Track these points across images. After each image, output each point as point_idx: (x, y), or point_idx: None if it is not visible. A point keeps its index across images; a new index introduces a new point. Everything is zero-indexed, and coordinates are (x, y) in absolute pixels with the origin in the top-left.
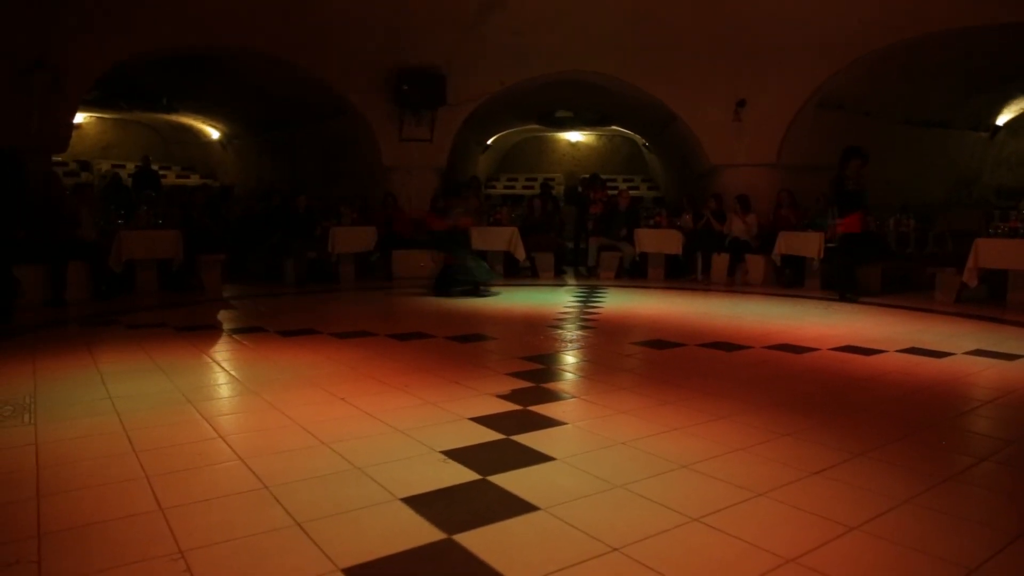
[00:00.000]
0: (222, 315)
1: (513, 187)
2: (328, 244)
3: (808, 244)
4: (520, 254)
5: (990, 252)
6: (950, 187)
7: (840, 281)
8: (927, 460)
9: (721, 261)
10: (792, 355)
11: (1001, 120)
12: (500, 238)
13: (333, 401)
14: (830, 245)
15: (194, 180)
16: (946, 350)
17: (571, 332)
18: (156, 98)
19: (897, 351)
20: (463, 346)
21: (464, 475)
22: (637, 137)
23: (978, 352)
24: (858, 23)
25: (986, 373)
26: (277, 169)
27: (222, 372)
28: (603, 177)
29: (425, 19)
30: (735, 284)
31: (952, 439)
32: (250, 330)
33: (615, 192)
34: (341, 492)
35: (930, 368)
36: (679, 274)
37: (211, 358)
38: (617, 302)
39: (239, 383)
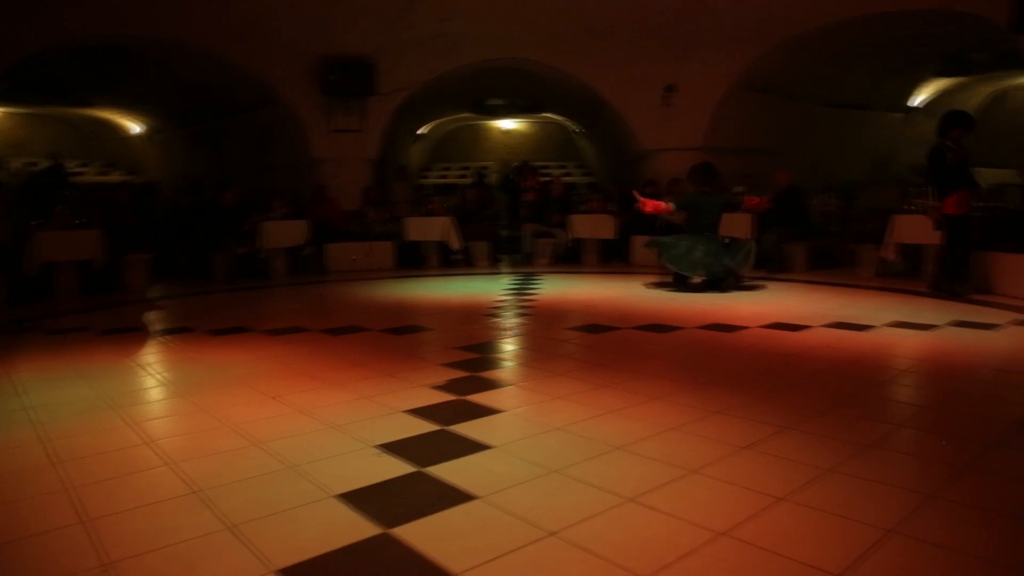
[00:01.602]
0: (148, 316)
1: (446, 176)
2: (258, 239)
3: (739, 225)
4: (455, 243)
5: (906, 228)
6: (870, 166)
7: (947, 273)
8: (851, 430)
9: None
10: (723, 334)
11: (915, 101)
12: (434, 228)
13: (265, 400)
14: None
15: (115, 177)
16: (868, 323)
17: (507, 320)
18: (72, 91)
19: (823, 326)
20: (399, 338)
21: (400, 468)
22: (570, 123)
23: (898, 324)
24: (781, 8)
25: (905, 343)
26: (204, 163)
27: (148, 375)
28: (537, 164)
29: (352, 7)
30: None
31: (874, 408)
32: (178, 330)
33: (548, 179)
34: (274, 492)
35: (854, 341)
36: (614, 258)
37: (136, 362)
38: (553, 288)
39: (167, 386)
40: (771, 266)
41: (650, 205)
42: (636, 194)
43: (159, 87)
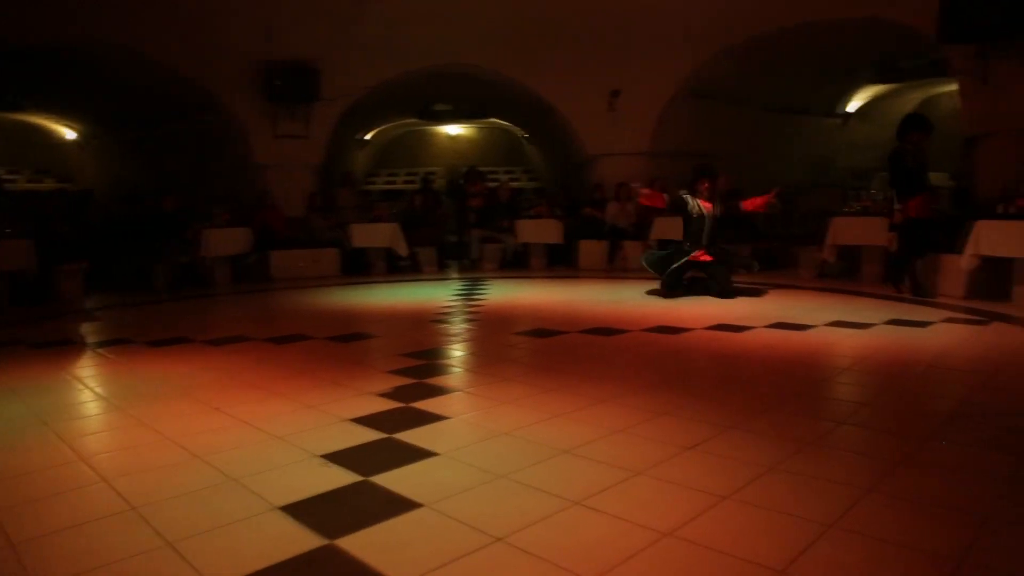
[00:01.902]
0: (84, 328)
1: (393, 182)
2: (200, 247)
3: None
4: (402, 250)
5: (845, 230)
6: (810, 170)
7: (896, 273)
8: (792, 427)
9: (601, 248)
10: (669, 336)
11: (852, 107)
12: (381, 234)
13: (207, 412)
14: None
15: (48, 184)
16: (809, 323)
17: (455, 325)
18: (0, 95)
19: (765, 327)
20: (344, 346)
21: (345, 478)
22: (517, 129)
23: (837, 323)
24: (723, 15)
25: (844, 342)
26: (142, 169)
27: (84, 389)
28: (484, 169)
29: (296, 11)
30: (615, 270)
31: (815, 406)
32: (115, 342)
33: (496, 184)
34: (215, 506)
35: (795, 341)
36: (561, 262)
37: (71, 375)
38: (500, 293)
39: (103, 400)
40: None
41: (646, 195)
42: (635, 186)
43: (94, 91)
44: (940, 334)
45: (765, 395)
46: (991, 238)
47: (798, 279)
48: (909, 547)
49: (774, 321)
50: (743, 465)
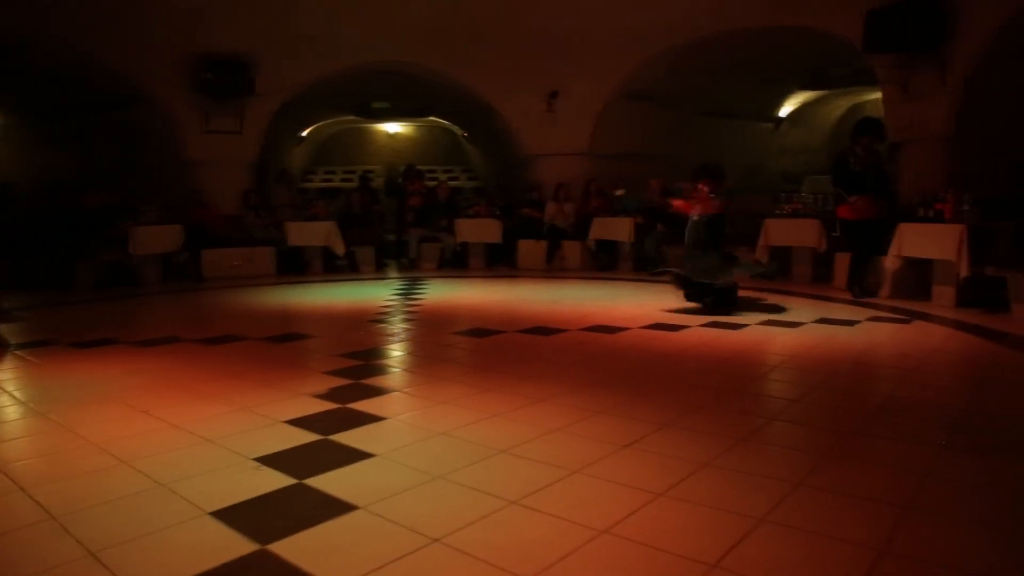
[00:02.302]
0: (2, 329)
1: (331, 180)
2: (128, 245)
3: (620, 228)
4: (339, 249)
5: (776, 231)
6: (743, 173)
7: (851, 275)
8: (726, 424)
9: (540, 248)
10: (606, 335)
11: (783, 112)
12: (318, 233)
13: (134, 415)
14: (833, 234)
15: None
16: (742, 322)
17: (393, 325)
18: None
19: (700, 326)
20: (279, 347)
21: (279, 481)
22: (456, 128)
23: (768, 322)
24: (659, 20)
25: (777, 340)
26: (66, 163)
27: (2, 393)
28: (423, 168)
29: (229, 3)
30: (554, 270)
31: (747, 403)
32: (37, 344)
33: (434, 183)
34: (143, 513)
35: (729, 339)
36: (500, 262)
37: None
38: (439, 293)
39: (23, 404)
40: (652, 268)
41: (680, 205)
42: (671, 200)
43: (15, 81)
44: (866, 332)
45: (700, 393)
46: (912, 240)
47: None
48: (835, 538)
49: (708, 320)
50: (678, 461)
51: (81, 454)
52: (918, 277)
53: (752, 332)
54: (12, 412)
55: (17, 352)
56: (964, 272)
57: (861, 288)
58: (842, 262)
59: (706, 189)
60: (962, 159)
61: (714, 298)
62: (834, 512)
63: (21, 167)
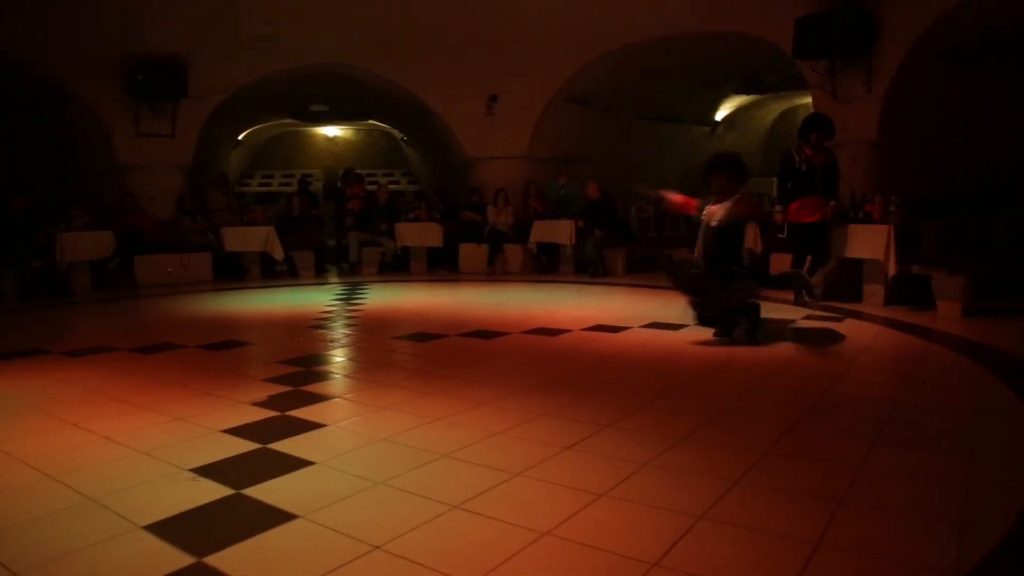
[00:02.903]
0: None
1: (269, 184)
2: (56, 251)
3: (561, 231)
4: (278, 254)
5: None
6: (682, 175)
7: (795, 279)
8: (665, 424)
9: (481, 252)
10: (548, 338)
11: (719, 116)
12: (256, 238)
13: (63, 428)
14: (780, 236)
15: None
16: (681, 323)
17: (333, 331)
18: None
19: (640, 327)
20: (217, 354)
21: (216, 491)
22: (396, 131)
23: None
24: (596, 25)
25: (714, 340)
26: None
27: None
28: (363, 172)
29: (163, 3)
30: (496, 273)
31: (687, 403)
32: None
33: (374, 187)
34: (70, 529)
35: (668, 340)
36: (441, 266)
37: None
38: (380, 297)
39: None
40: (592, 271)
41: (678, 200)
42: (663, 193)
43: None
44: (798, 331)
45: (639, 393)
46: (843, 241)
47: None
48: (773, 533)
49: (649, 321)
50: (619, 462)
51: (4, 469)
52: (850, 277)
53: (690, 332)
54: None
55: None
56: (892, 271)
57: (808, 290)
58: (779, 264)
59: (729, 184)
60: (889, 162)
61: (749, 325)
62: (772, 507)
63: None
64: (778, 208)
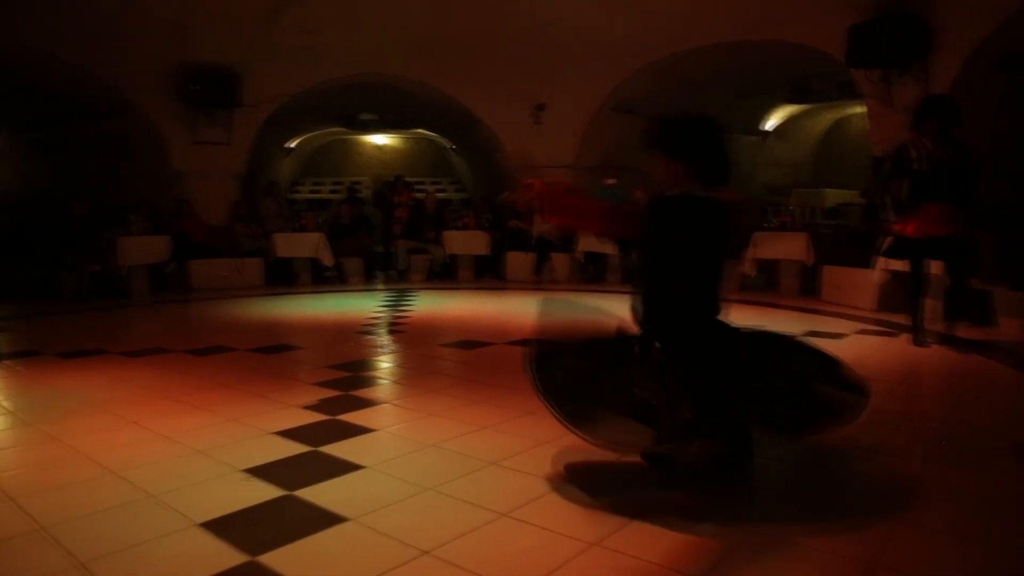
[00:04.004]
0: None
1: (319, 191)
2: (115, 255)
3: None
4: (327, 260)
5: (765, 244)
6: (732, 186)
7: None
8: None
9: (528, 260)
10: None
11: (769, 125)
12: (306, 244)
13: (123, 426)
14: (884, 257)
15: None
16: None
17: (381, 337)
18: None
19: None
20: (268, 358)
21: (268, 492)
22: (443, 139)
23: None
24: (643, 34)
25: None
26: (53, 173)
27: None
28: (410, 180)
29: (215, 14)
30: (542, 282)
31: None
32: (23, 354)
33: (422, 195)
34: (131, 524)
35: None
36: (488, 274)
37: None
38: (427, 304)
39: (10, 414)
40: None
41: (540, 192)
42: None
43: (1, 91)
44: (853, 345)
45: None
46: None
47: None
48: (826, 551)
49: None
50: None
51: (70, 464)
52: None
53: None
54: (0, 422)
55: (4, 362)
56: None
57: (921, 332)
58: (833, 276)
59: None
60: None
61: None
62: (824, 525)
63: (6, 177)
64: (891, 217)
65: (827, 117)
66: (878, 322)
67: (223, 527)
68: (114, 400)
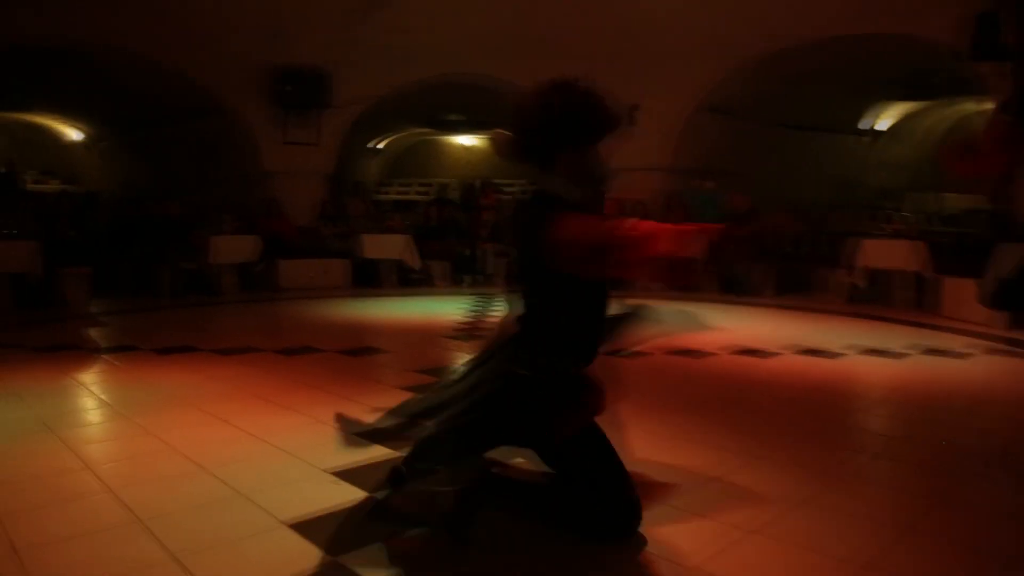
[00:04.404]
0: (88, 333)
1: (406, 192)
2: (207, 254)
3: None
4: (414, 262)
5: (876, 253)
6: (837, 188)
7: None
8: (821, 460)
9: None
10: (691, 360)
11: (882, 125)
12: (393, 246)
13: (214, 423)
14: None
15: (53, 186)
16: (839, 350)
17: (468, 342)
18: (7, 95)
19: (793, 353)
20: (355, 360)
21: (354, 495)
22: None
23: (870, 351)
24: (743, 29)
25: (878, 372)
26: (148, 173)
27: (88, 395)
28: (498, 182)
29: (306, 17)
30: (633, 289)
31: (846, 438)
32: (120, 348)
33: (511, 197)
34: (222, 520)
35: (824, 368)
36: None
37: (75, 380)
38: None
39: (108, 407)
40: (739, 290)
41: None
42: None
43: (101, 93)
44: (980, 365)
45: (791, 424)
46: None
47: (826, 303)
48: None
49: (802, 347)
50: (769, 498)
51: (164, 458)
52: None
53: (850, 361)
54: (99, 414)
55: (103, 356)
56: None
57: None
58: (956, 290)
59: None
60: None
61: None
62: (940, 560)
63: (107, 176)
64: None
65: (947, 115)
66: (1009, 341)
67: (310, 528)
68: (205, 397)
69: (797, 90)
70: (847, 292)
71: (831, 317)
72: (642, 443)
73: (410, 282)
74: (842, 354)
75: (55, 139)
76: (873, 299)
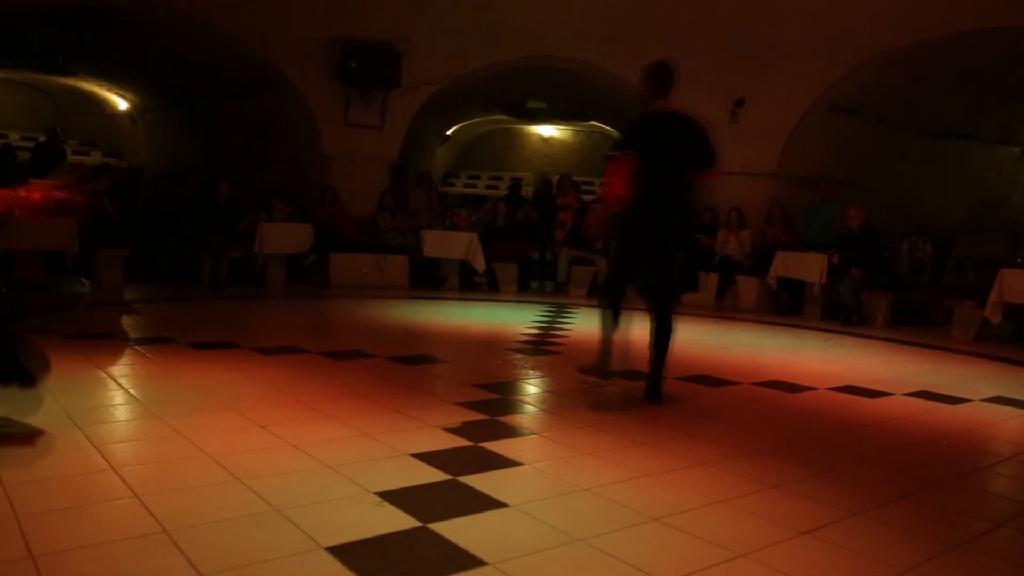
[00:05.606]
0: (123, 321)
1: (475, 185)
2: (255, 242)
3: (809, 267)
4: (479, 264)
5: (1017, 285)
6: (974, 208)
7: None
8: (934, 523)
9: (709, 281)
10: (786, 394)
11: None
12: (457, 244)
13: (252, 429)
14: None
15: (95, 158)
16: (962, 395)
17: (534, 357)
18: (51, 57)
19: (905, 394)
20: (408, 369)
21: (402, 521)
22: (620, 135)
23: (999, 399)
24: (872, 20)
25: (1007, 424)
26: (197, 149)
27: (119, 390)
28: (579, 179)
29: None
30: (724, 309)
31: (965, 500)
32: (156, 340)
33: (591, 197)
34: (256, 538)
35: (943, 416)
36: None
37: (106, 373)
38: (587, 324)
39: (139, 404)
40: (846, 318)
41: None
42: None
43: (149, 59)
44: None
45: (900, 478)
46: None
47: (950, 340)
48: None
49: (917, 388)
50: (870, 562)
51: (195, 465)
52: None
53: (976, 409)
54: (129, 412)
55: (137, 347)
56: None
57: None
58: None
59: None
60: None
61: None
62: None
63: (153, 151)
64: None
65: None
66: None
67: (351, 554)
68: (244, 399)
69: (935, 90)
70: (975, 329)
71: (953, 356)
72: (722, 485)
73: (473, 286)
74: (965, 399)
75: (100, 108)
76: (1008, 339)
